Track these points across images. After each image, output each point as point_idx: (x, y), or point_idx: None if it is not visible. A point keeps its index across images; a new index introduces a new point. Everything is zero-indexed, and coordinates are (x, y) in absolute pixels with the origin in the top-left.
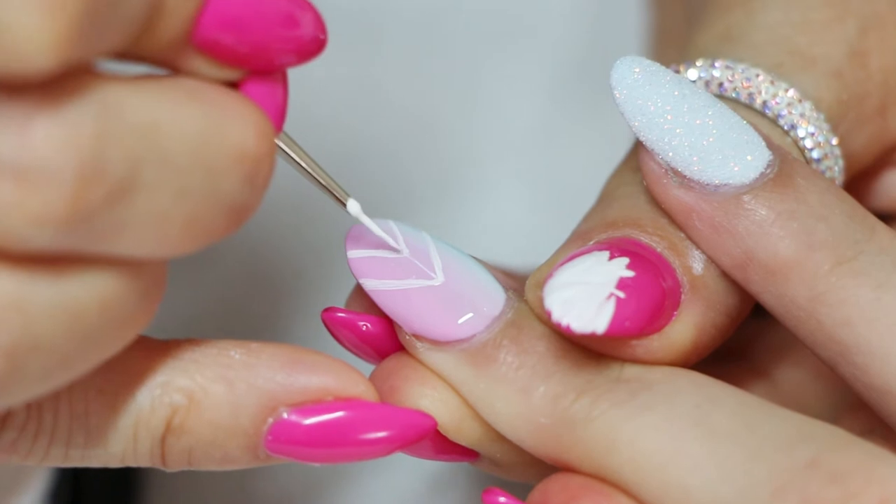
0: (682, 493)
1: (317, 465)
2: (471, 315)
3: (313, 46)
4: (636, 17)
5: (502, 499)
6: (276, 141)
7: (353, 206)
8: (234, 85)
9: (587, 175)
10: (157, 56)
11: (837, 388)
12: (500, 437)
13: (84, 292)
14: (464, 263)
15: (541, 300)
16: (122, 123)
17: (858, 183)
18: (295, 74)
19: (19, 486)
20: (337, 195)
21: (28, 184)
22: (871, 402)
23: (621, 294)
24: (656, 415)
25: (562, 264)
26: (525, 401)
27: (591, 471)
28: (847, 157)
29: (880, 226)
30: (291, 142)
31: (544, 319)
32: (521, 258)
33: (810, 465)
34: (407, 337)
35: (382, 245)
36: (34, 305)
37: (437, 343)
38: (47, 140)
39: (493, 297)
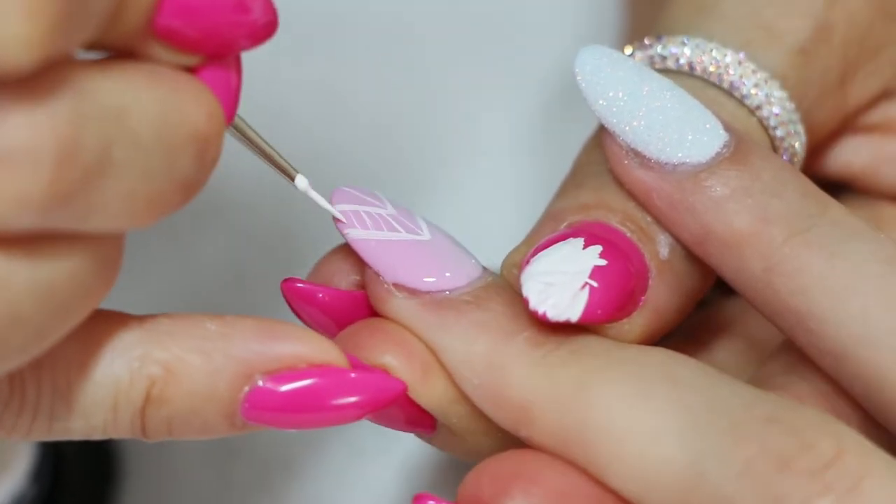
0: (649, 436)
1: (292, 431)
2: (455, 269)
3: (265, 30)
4: (613, 20)
5: (432, 502)
6: (236, 121)
7: (301, 182)
8: (190, 70)
9: (556, 179)
10: (119, 44)
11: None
12: (462, 398)
13: (58, 268)
14: (445, 232)
15: (517, 279)
16: (95, 107)
17: (815, 149)
18: (265, 77)
19: (2, 467)
20: (286, 172)
21: (9, 169)
22: (826, 368)
23: (594, 283)
24: (629, 365)
25: (538, 250)
26: (506, 342)
27: (555, 415)
28: (809, 130)
29: (833, 202)
30: (244, 124)
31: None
32: (489, 259)
33: (768, 420)
34: (385, 286)
35: (369, 203)
36: (14, 284)
37: (417, 293)
38: (27, 126)
39: (473, 262)
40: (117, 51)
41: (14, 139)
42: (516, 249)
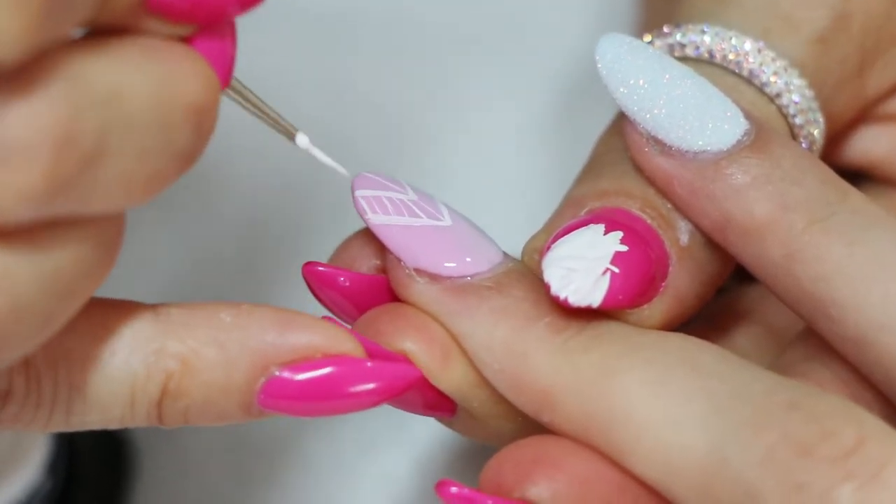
0: (670, 422)
1: (307, 419)
2: (476, 255)
3: None
4: (626, 13)
5: (454, 489)
6: (234, 83)
7: (301, 140)
8: (184, 40)
9: (572, 169)
10: (112, 23)
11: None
12: (483, 383)
13: (60, 255)
14: (466, 218)
15: (538, 264)
16: (89, 93)
17: (834, 138)
18: (278, 72)
19: (18, 460)
20: (286, 131)
21: (8, 164)
22: (847, 355)
23: (616, 269)
24: (650, 351)
25: (559, 236)
26: (527, 328)
27: (576, 401)
28: (828, 118)
29: (853, 190)
30: (241, 86)
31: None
32: (506, 251)
33: (790, 407)
34: (406, 271)
35: (390, 188)
36: (18, 276)
37: (438, 278)
38: (23, 120)
39: (495, 248)
40: (112, 28)
41: (12, 134)
42: (536, 236)
